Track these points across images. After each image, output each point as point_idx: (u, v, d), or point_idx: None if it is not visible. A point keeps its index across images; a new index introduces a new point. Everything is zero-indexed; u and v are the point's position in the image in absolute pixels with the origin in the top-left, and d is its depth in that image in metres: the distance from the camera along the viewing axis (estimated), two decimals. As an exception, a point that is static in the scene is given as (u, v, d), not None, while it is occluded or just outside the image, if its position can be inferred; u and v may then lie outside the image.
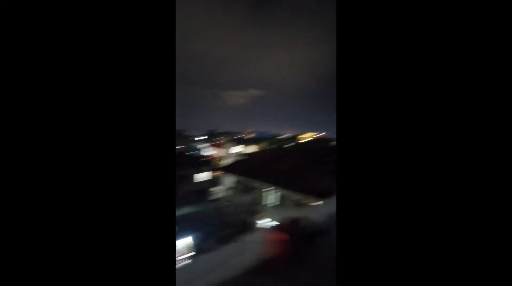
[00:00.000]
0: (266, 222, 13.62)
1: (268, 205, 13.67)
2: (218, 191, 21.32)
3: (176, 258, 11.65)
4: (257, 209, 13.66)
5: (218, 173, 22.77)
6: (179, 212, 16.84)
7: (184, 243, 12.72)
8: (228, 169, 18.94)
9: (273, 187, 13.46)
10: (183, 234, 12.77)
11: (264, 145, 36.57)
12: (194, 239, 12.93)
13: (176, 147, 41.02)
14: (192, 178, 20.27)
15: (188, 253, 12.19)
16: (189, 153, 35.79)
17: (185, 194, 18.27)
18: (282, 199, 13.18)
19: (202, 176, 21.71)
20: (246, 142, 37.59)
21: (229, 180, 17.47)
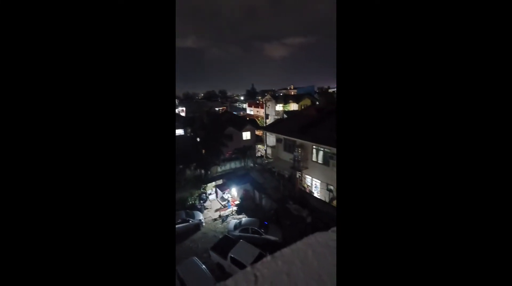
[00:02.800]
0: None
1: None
2: (263, 149, 22.20)
3: (226, 206, 13.55)
4: (302, 166, 13.78)
5: (261, 131, 23.32)
6: (227, 166, 18.72)
7: (231, 194, 14.49)
8: (271, 128, 18.98)
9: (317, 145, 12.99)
10: (230, 186, 14.40)
11: (307, 102, 34.35)
12: (238, 191, 14.47)
13: (220, 108, 43.10)
14: (238, 136, 21.47)
15: (234, 202, 13.94)
16: (234, 112, 37.25)
17: (232, 151, 19.77)
18: (325, 157, 12.74)
19: (246, 135, 22.69)
20: (289, 99, 36.08)
21: (272, 139, 17.69)
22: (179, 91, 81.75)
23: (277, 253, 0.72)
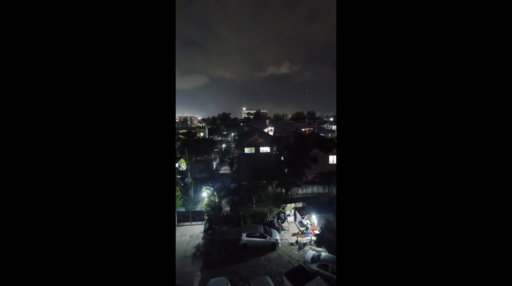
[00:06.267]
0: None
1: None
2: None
3: (304, 233, 12.63)
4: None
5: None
6: (309, 190, 17.79)
7: (310, 221, 13.40)
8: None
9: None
10: (311, 211, 13.41)
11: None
12: (319, 219, 13.15)
13: (307, 129, 42.62)
14: (324, 159, 20.25)
15: (314, 231, 12.73)
16: (322, 134, 35.77)
17: (316, 174, 18.73)
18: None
19: (333, 158, 20.97)
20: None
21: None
22: (270, 113, 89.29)
23: None
